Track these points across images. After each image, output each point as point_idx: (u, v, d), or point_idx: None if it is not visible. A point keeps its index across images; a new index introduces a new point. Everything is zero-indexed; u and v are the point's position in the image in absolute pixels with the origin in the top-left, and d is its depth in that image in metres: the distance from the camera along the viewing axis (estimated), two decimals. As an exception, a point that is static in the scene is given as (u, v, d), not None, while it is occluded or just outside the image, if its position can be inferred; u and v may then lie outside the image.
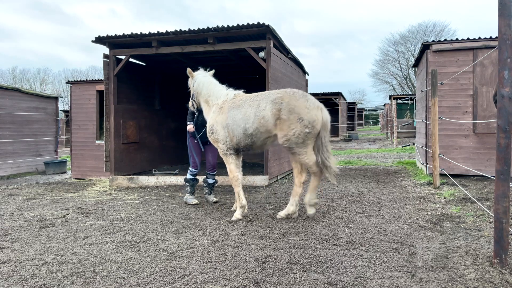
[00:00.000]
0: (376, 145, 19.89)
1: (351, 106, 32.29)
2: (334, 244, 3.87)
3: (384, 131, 29.32)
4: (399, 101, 25.85)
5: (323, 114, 4.76)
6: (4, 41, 71.85)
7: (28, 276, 3.26)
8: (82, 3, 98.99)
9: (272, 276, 3.11)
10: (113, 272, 3.30)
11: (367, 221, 4.74)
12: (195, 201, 6.10)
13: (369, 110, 52.96)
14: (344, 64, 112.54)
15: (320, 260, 3.44)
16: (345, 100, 29.22)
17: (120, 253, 3.80)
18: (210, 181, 6.27)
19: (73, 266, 3.47)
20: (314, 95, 24.26)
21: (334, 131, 25.00)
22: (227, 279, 3.07)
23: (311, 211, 4.92)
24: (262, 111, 4.78)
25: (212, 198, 6.25)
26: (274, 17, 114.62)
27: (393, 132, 18.97)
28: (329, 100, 24.73)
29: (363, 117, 43.67)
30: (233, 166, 5.17)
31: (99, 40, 8.17)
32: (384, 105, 33.33)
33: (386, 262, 3.37)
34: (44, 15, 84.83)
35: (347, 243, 3.92)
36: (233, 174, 5.16)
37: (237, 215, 5.02)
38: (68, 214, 5.61)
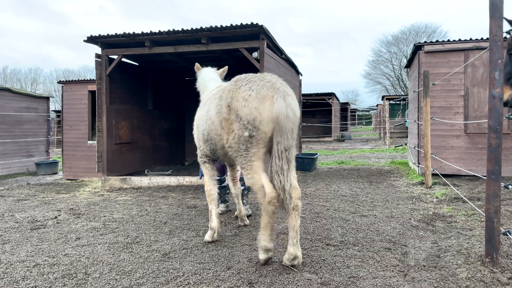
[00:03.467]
0: (369, 145, 20.00)
1: (344, 107, 32.46)
2: (327, 244, 3.88)
3: (377, 132, 29.52)
4: (391, 102, 26.05)
5: (275, 108, 3.08)
6: None
7: (19, 278, 3.21)
8: (70, 0, 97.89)
9: (265, 276, 3.11)
10: (106, 273, 3.27)
11: (360, 221, 4.76)
12: (218, 210, 5.18)
13: (362, 111, 53.31)
14: (338, 64, 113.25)
15: (314, 260, 3.45)
16: (338, 100, 29.35)
17: (113, 254, 3.77)
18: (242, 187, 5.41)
19: (64, 267, 3.43)
20: (307, 95, 24.36)
21: (327, 131, 25.11)
22: (220, 280, 3.06)
23: (261, 255, 3.34)
24: (210, 109, 3.76)
25: (222, 207, 5.53)
26: (268, 15, 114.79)
27: (385, 132, 19.09)
28: (322, 100, 24.83)
29: (356, 117, 43.93)
30: (207, 177, 4.31)
31: (91, 39, 8.11)
32: (377, 105, 33.56)
33: (379, 261, 3.38)
34: (30, 12, 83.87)
35: (341, 243, 3.93)
36: (206, 188, 4.31)
37: (207, 237, 4.12)
38: (59, 215, 5.55)
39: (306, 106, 24.78)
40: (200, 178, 5.42)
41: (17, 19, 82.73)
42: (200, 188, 7.57)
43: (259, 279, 3.05)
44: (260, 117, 3.12)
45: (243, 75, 3.44)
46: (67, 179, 10.19)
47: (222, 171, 5.41)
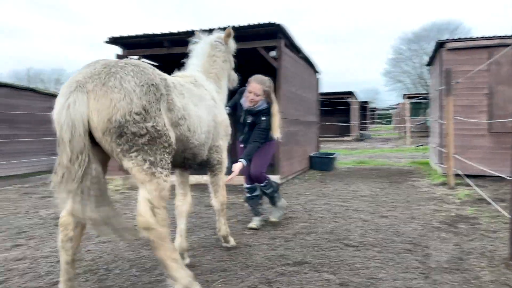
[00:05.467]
0: (389, 144, 19.67)
1: (363, 105, 32.01)
2: (346, 245, 3.84)
3: (397, 131, 28.98)
4: (412, 100, 25.53)
5: (55, 108, 2.29)
6: (13, 40, 73.19)
7: (43, 273, 3.31)
8: (88, 0, 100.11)
9: (283, 275, 3.10)
10: (126, 270, 3.34)
11: (380, 222, 4.69)
12: (252, 225, 4.57)
13: (381, 109, 52.46)
14: (357, 62, 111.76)
15: (332, 260, 3.42)
16: (357, 99, 28.97)
17: (133, 251, 3.83)
18: (268, 191, 4.65)
19: (87, 263, 3.51)
20: (326, 94, 24.13)
21: (346, 130, 24.82)
22: (238, 279, 3.08)
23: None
24: None
25: (255, 221, 4.60)
26: (287, 13, 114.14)
27: (406, 131, 18.73)
28: (341, 99, 24.55)
29: (376, 116, 43.26)
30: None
31: (113, 40, 8.27)
32: (398, 104, 32.94)
33: (399, 263, 3.32)
34: (51, 13, 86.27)
35: (360, 243, 3.88)
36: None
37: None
38: (82, 213, 5.69)
39: (324, 105, 24.51)
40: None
41: (38, 21, 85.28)
42: (218, 187, 7.62)
43: (277, 278, 3.05)
44: (53, 115, 2.30)
45: (110, 60, 2.48)
46: (89, 177, 10.44)
47: (251, 178, 4.51)
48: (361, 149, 16.85)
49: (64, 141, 2.22)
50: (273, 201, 4.74)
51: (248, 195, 4.64)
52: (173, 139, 2.57)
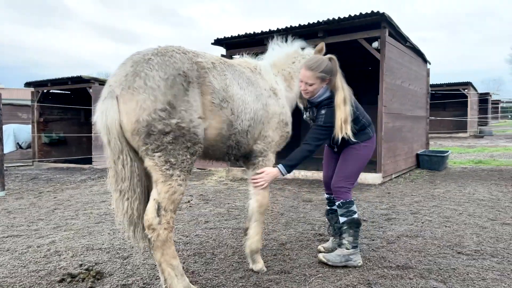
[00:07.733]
0: (516, 142, 16.98)
1: (483, 98, 28.20)
2: (458, 252, 3.48)
3: (527, 126, 24.82)
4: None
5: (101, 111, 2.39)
6: (134, 45, 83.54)
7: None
8: (195, 4, 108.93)
9: (385, 278, 2.96)
10: (229, 256, 3.57)
11: (501, 230, 4.12)
12: (321, 247, 3.64)
13: (507, 102, 45.45)
14: (477, 48, 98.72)
15: (442, 268, 3.14)
16: (476, 90, 25.66)
17: (235, 239, 4.08)
18: (341, 219, 3.26)
19: (195, 247, 3.86)
20: (437, 86, 21.97)
21: (462, 126, 22.22)
22: (336, 276, 3.04)
23: None
24: None
25: (328, 244, 3.63)
26: None
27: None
28: (456, 91, 22.02)
29: (499, 110, 37.71)
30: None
31: (218, 42, 8.85)
32: (528, 95, 28.15)
33: (526, 279, 2.88)
34: (163, 19, 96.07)
35: (475, 252, 3.47)
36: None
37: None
38: (191, 200, 6.27)
39: (436, 98, 22.33)
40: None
41: (152, 27, 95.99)
42: (315, 183, 7.60)
43: (378, 281, 2.92)
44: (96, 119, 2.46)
45: (139, 54, 2.45)
46: (197, 168, 11.38)
47: (328, 186, 3.47)
48: (480, 147, 14.91)
49: (105, 143, 2.41)
50: (341, 236, 3.27)
51: (327, 207, 3.61)
52: (201, 136, 2.48)
